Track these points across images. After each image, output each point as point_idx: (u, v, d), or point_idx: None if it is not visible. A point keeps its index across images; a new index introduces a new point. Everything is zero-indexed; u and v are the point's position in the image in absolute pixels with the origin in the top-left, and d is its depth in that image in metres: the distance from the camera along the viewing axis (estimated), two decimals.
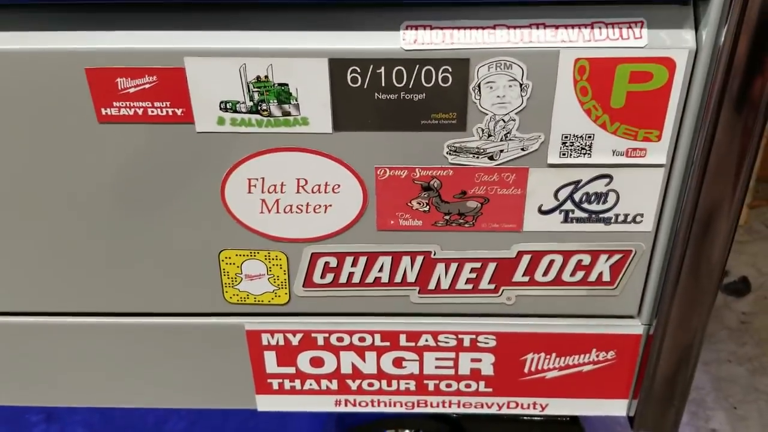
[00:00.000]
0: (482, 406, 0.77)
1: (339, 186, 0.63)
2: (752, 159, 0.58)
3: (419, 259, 0.67)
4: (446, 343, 0.72)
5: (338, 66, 0.56)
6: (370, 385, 0.75)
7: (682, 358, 0.69)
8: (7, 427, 1.22)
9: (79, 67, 0.57)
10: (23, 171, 0.63)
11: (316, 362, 0.74)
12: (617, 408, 0.76)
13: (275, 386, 0.75)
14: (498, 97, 0.57)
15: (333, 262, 0.67)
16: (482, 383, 0.75)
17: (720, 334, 1.35)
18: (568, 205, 0.63)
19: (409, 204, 0.64)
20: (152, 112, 0.59)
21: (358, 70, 0.57)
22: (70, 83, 0.58)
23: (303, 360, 0.73)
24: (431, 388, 0.75)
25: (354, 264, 0.67)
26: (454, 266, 0.67)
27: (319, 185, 0.63)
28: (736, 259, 1.52)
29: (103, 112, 0.59)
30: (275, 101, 0.58)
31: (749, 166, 0.58)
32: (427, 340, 0.72)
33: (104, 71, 0.57)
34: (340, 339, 0.72)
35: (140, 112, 0.59)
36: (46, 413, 1.22)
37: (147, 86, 0.57)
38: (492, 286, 0.69)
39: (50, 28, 0.57)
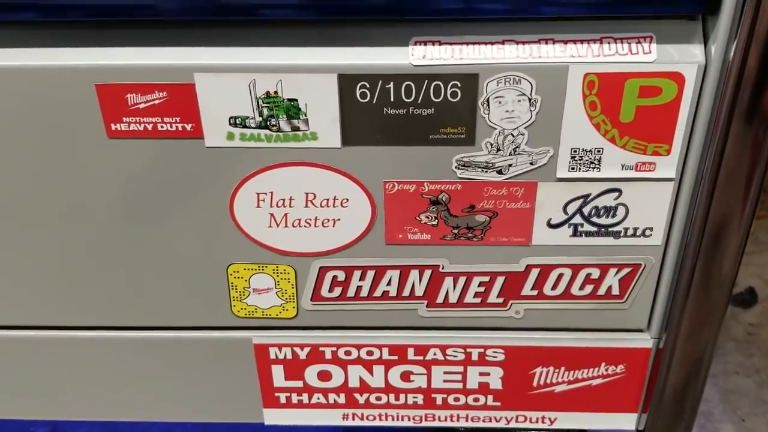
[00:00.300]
0: (490, 420, 0.76)
1: (347, 200, 0.63)
2: (762, 172, 0.58)
3: (427, 272, 0.67)
4: (454, 356, 0.72)
5: (347, 81, 0.57)
6: (378, 399, 0.75)
7: (692, 371, 0.69)
8: None
9: (90, 82, 0.57)
10: (33, 185, 0.63)
11: (324, 376, 0.73)
12: (626, 422, 0.75)
13: (283, 400, 0.75)
14: (507, 111, 0.57)
15: (341, 275, 0.67)
16: (490, 397, 0.75)
17: (727, 345, 1.35)
18: (577, 219, 0.63)
19: (417, 218, 0.64)
20: (162, 127, 0.59)
21: (367, 86, 0.57)
22: (80, 99, 0.58)
23: (310, 374, 0.73)
24: (439, 401, 0.75)
25: (362, 278, 0.67)
26: (462, 280, 0.67)
27: (328, 199, 0.63)
28: (742, 270, 1.50)
29: (113, 127, 0.59)
30: (284, 116, 0.58)
31: (759, 180, 0.58)
32: (435, 354, 0.72)
33: (114, 87, 0.57)
34: (347, 353, 0.72)
35: (150, 127, 0.59)
36: (51, 427, 1.22)
37: (157, 102, 0.58)
38: (500, 300, 0.68)
39: (61, 44, 0.57)
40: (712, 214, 0.61)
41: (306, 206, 0.63)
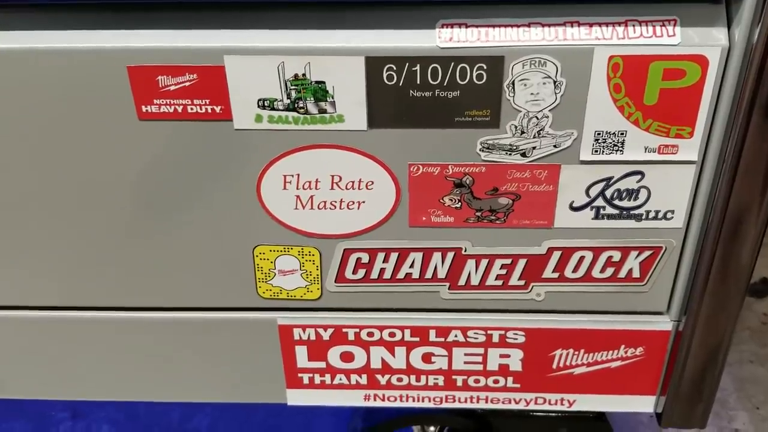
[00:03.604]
0: (510, 402, 0.77)
1: (372, 182, 0.64)
2: None
3: (450, 255, 0.68)
4: (475, 338, 0.73)
5: (374, 64, 0.57)
6: (399, 380, 0.76)
7: (711, 354, 0.70)
8: (33, 424, 1.23)
9: (122, 64, 0.58)
10: (65, 166, 0.64)
11: (347, 357, 0.75)
12: (645, 404, 0.76)
13: (306, 381, 0.76)
14: (532, 94, 0.58)
15: (365, 257, 0.68)
16: (510, 379, 0.75)
17: (742, 334, 1.35)
18: (600, 202, 0.64)
19: (441, 200, 0.65)
20: (192, 109, 0.60)
21: (394, 68, 0.58)
22: (112, 81, 0.59)
23: (333, 355, 0.74)
24: (459, 383, 0.76)
25: (385, 260, 0.68)
26: (484, 262, 0.68)
27: (353, 182, 0.64)
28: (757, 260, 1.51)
29: (144, 109, 0.60)
30: (312, 99, 0.59)
31: None
32: (456, 336, 0.73)
33: (146, 69, 0.58)
34: (370, 334, 0.73)
35: (180, 109, 0.60)
36: (72, 410, 1.23)
37: (187, 84, 0.59)
38: (522, 282, 0.69)
39: (94, 27, 0.58)
40: (733, 197, 0.61)
41: (331, 188, 0.64)
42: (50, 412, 1.23)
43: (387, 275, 0.69)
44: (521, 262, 0.68)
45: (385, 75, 0.58)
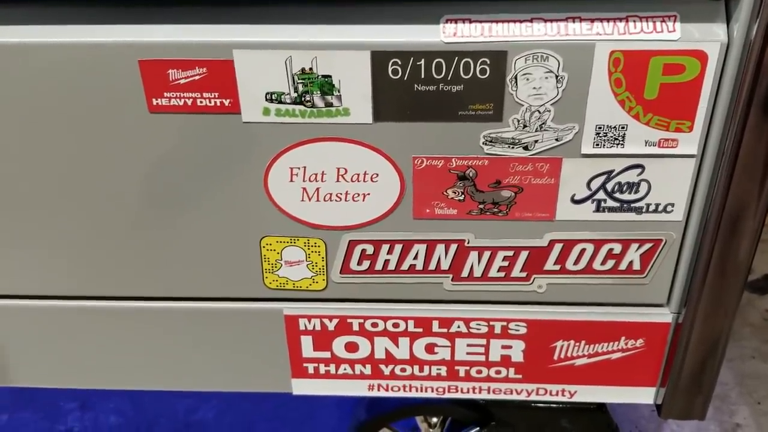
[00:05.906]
0: (512, 393, 0.78)
1: (377, 175, 0.65)
2: None
3: (453, 247, 0.69)
4: (478, 329, 0.74)
5: (380, 58, 0.59)
6: (403, 370, 0.77)
7: (711, 346, 0.71)
8: (41, 414, 1.25)
9: (133, 58, 0.60)
10: (76, 157, 0.65)
11: (351, 347, 0.76)
12: (645, 396, 0.77)
13: (311, 370, 0.78)
14: (534, 88, 0.59)
15: (370, 249, 0.69)
16: (512, 370, 0.77)
17: (743, 331, 1.36)
18: (601, 195, 0.65)
19: (444, 193, 0.66)
20: (201, 102, 0.61)
21: (399, 63, 0.59)
22: (123, 74, 0.60)
23: (338, 345, 0.76)
24: (462, 374, 0.77)
25: (390, 251, 0.69)
26: (487, 254, 0.69)
27: (358, 174, 0.65)
28: (759, 257, 1.51)
29: (155, 102, 0.61)
30: (318, 92, 0.61)
31: None
32: (459, 327, 0.74)
33: (157, 63, 0.60)
34: (374, 325, 0.74)
35: (189, 102, 0.61)
36: (80, 401, 1.25)
37: (197, 78, 0.60)
38: (524, 274, 0.70)
39: (106, 21, 0.60)
40: (732, 190, 0.62)
41: (337, 181, 0.65)
42: (59, 402, 1.25)
43: (391, 266, 0.70)
44: (523, 254, 0.69)
45: (390, 69, 0.59)
